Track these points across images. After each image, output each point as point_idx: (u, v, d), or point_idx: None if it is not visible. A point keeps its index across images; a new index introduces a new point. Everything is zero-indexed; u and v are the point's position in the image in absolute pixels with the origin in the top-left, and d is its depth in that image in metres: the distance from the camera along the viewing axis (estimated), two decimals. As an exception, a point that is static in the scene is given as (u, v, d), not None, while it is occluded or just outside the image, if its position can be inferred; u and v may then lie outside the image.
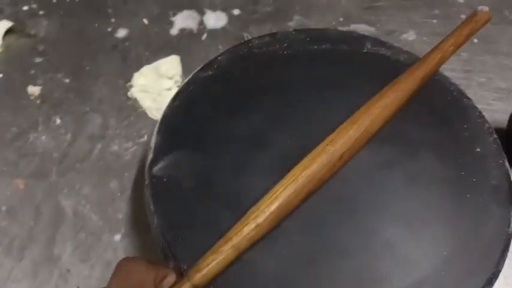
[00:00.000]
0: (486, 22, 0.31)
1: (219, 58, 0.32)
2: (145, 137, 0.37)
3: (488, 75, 0.40)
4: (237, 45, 0.33)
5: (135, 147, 0.36)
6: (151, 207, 0.27)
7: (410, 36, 0.42)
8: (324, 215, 0.27)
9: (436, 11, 0.44)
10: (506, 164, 0.29)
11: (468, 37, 0.31)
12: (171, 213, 0.27)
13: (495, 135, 0.30)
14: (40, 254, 0.32)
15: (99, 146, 0.37)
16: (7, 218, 0.33)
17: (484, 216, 0.27)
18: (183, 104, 0.31)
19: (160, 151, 0.29)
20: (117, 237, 0.33)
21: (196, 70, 0.32)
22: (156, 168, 0.28)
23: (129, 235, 0.33)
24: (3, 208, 0.34)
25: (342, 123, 0.28)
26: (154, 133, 0.29)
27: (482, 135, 0.30)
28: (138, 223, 0.33)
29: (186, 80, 0.32)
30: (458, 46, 0.31)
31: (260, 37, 0.34)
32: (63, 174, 0.35)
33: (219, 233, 0.26)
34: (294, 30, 0.34)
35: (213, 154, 0.29)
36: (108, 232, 0.33)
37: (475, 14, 0.31)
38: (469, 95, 0.36)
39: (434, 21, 0.43)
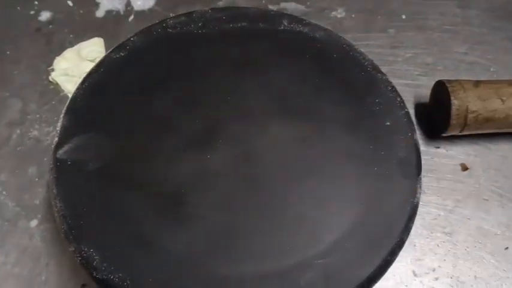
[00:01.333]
0: None
1: (132, 39, 0.32)
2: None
3: (415, 51, 0.40)
4: (151, 25, 0.33)
5: (54, 132, 0.35)
6: (54, 190, 0.26)
7: (339, 13, 0.42)
8: (233, 193, 0.27)
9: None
10: (416, 137, 0.29)
11: None
12: (74, 196, 0.26)
13: (406, 109, 0.30)
14: (-47, 245, 0.31)
15: (18, 131, 0.36)
16: None
17: (389, 188, 0.27)
18: (92, 86, 0.30)
19: (66, 134, 0.28)
20: (34, 222, 0.32)
21: (108, 51, 0.31)
22: (60, 152, 0.28)
23: (46, 221, 0.32)
24: None
25: (251, 102, 0.28)
26: (61, 116, 0.29)
27: (393, 109, 0.30)
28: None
29: (97, 62, 0.31)
30: None
31: (175, 16, 0.33)
32: (-21, 161, 0.34)
33: (122, 216, 0.25)
34: (211, 9, 0.33)
35: (120, 137, 0.28)
36: (24, 218, 0.32)
37: None
38: (394, 71, 0.37)
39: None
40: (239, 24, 0.32)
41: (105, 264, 0.24)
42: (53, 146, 0.28)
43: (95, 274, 0.24)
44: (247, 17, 0.33)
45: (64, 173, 0.27)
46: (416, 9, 0.42)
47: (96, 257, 0.24)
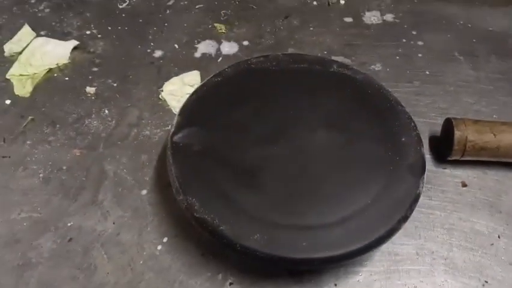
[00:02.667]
0: None
1: (226, 70, 0.46)
2: (170, 127, 0.50)
3: (433, 98, 0.52)
4: (240, 61, 0.47)
5: (161, 133, 0.49)
6: (170, 160, 0.39)
7: (377, 67, 0.55)
8: (289, 173, 0.39)
9: (400, 50, 0.56)
10: (423, 150, 0.40)
11: None
12: (182, 165, 0.39)
13: (417, 132, 0.41)
14: (88, 199, 0.44)
15: (135, 130, 0.49)
16: (67, 174, 0.46)
17: (401, 182, 0.38)
18: (197, 97, 0.44)
19: (179, 127, 0.41)
20: (144, 192, 0.45)
21: (209, 77, 0.45)
22: (175, 138, 0.41)
23: (152, 191, 0.45)
24: (64, 167, 0.46)
25: (306, 117, 0.41)
26: (176, 115, 0.42)
27: (408, 131, 0.41)
28: (159, 184, 0.45)
29: (201, 83, 0.45)
30: None
31: (257, 57, 0.47)
32: (107, 148, 0.48)
33: (214, 180, 0.38)
34: (282, 54, 0.47)
35: (215, 132, 0.41)
36: (137, 188, 0.45)
37: None
38: (416, 112, 0.48)
39: (397, 57, 0.56)
40: (301, 65, 0.46)
41: (202, 209, 0.37)
42: (169, 135, 0.41)
43: (195, 214, 0.37)
44: (307, 61, 0.46)
45: (177, 151, 0.40)
46: (437, 67, 0.55)
47: (196, 204, 0.37)
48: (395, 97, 0.44)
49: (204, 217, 0.36)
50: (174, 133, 0.41)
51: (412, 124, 0.42)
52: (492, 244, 0.41)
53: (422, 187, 0.38)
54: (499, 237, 0.42)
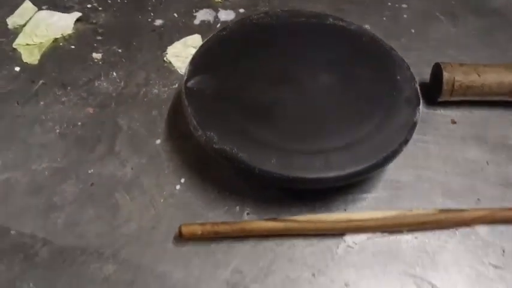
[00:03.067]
0: None
1: (230, 25, 0.49)
2: (176, 85, 0.52)
3: (420, 52, 0.56)
4: (242, 18, 0.50)
5: (169, 91, 0.52)
6: (186, 103, 0.42)
7: (367, 27, 0.59)
8: (297, 107, 0.42)
9: (386, 12, 0.61)
10: (416, 85, 0.44)
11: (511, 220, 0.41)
12: (197, 106, 0.42)
13: (410, 71, 0.46)
14: (105, 150, 0.46)
15: (144, 89, 0.52)
16: (82, 129, 0.48)
17: (400, 112, 0.42)
18: (205, 49, 0.47)
19: (191, 75, 0.44)
20: (158, 141, 0.47)
21: (215, 32, 0.49)
22: (189, 83, 0.44)
23: (165, 140, 0.47)
24: (79, 123, 0.49)
25: (308, 62, 0.44)
26: (187, 64, 0.45)
27: (402, 70, 0.46)
28: (172, 134, 0.48)
29: (207, 38, 0.48)
30: (494, 221, 0.41)
31: (257, 14, 0.50)
32: (119, 105, 0.50)
33: (227, 116, 0.41)
34: (281, 10, 0.51)
35: (225, 77, 0.44)
36: (151, 138, 0.48)
37: None
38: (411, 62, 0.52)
39: (384, 19, 0.60)
40: (300, 19, 0.49)
41: (220, 140, 0.40)
42: (183, 81, 0.44)
43: (214, 146, 0.39)
44: (305, 15, 0.50)
45: (191, 94, 0.43)
46: (421, 26, 0.59)
47: (214, 136, 0.40)
48: (387, 43, 0.48)
49: (223, 147, 0.39)
50: (187, 80, 0.44)
51: (405, 64, 0.46)
52: (482, 169, 0.46)
53: (419, 116, 0.42)
54: (487, 163, 0.46)
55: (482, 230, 0.41)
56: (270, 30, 0.49)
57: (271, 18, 0.50)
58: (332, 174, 0.38)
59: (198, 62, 0.45)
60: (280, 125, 0.41)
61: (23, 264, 0.39)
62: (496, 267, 0.40)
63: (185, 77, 0.44)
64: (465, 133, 0.48)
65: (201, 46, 0.47)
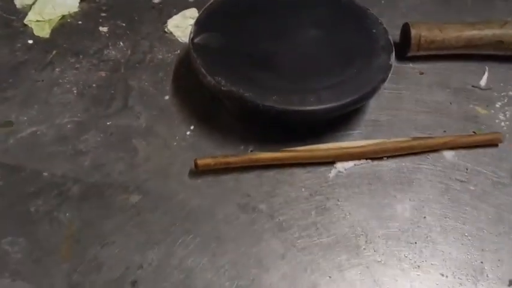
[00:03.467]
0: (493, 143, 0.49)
1: (229, -8, 0.56)
2: (179, 51, 0.59)
3: (390, 18, 0.64)
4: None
5: (173, 56, 0.58)
6: (194, 55, 0.49)
7: None
8: (290, 56, 0.49)
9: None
10: (390, 36, 0.52)
11: (471, 144, 0.49)
12: (204, 56, 0.48)
13: (384, 26, 0.53)
14: (120, 106, 0.52)
15: (149, 55, 0.58)
16: (97, 90, 0.54)
17: (377, 57, 0.50)
18: (208, 11, 0.53)
19: (196, 33, 0.51)
20: (166, 97, 0.53)
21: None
22: (195, 40, 0.50)
23: (172, 97, 0.53)
24: (94, 85, 0.54)
25: (298, 21, 0.52)
26: (193, 24, 0.52)
27: (377, 25, 0.53)
28: (177, 92, 0.54)
29: (210, 2, 0.55)
30: (457, 146, 0.48)
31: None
32: (128, 69, 0.56)
33: (231, 64, 0.48)
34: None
35: (229, 34, 0.51)
36: (160, 95, 0.54)
37: (493, 135, 0.49)
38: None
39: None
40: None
41: (228, 83, 0.46)
42: (189, 39, 0.51)
43: (222, 88, 0.46)
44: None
45: (198, 49, 0.49)
46: (390, -2, 0.67)
47: (222, 80, 0.46)
48: (364, 5, 0.56)
49: (231, 89, 0.46)
50: (193, 38, 0.50)
51: (379, 21, 0.54)
52: (446, 108, 0.54)
53: (393, 60, 0.50)
54: (450, 103, 0.54)
55: (448, 154, 0.49)
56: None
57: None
58: (323, 106, 0.45)
59: (203, 22, 0.52)
60: (278, 70, 0.48)
61: (58, 199, 0.45)
62: (461, 181, 0.47)
63: (191, 36, 0.51)
64: (431, 81, 0.56)
65: (205, 9, 0.53)
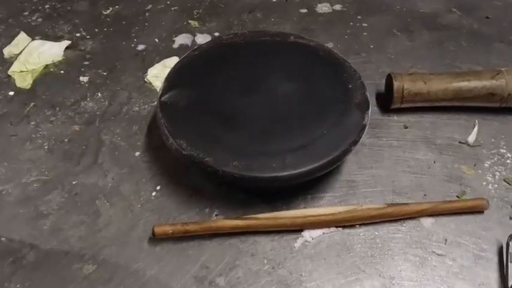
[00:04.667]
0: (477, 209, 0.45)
1: (202, 45, 0.54)
2: (155, 102, 0.57)
3: (378, 64, 0.61)
4: (213, 39, 0.55)
5: (149, 108, 0.57)
6: (160, 115, 0.47)
7: (330, 45, 0.64)
8: (262, 114, 0.47)
9: (348, 31, 0.66)
10: (366, 93, 0.49)
11: (452, 211, 0.45)
12: (170, 117, 0.47)
13: (361, 80, 0.50)
14: (89, 162, 0.51)
15: (126, 107, 0.57)
16: (69, 145, 0.53)
17: (350, 116, 0.47)
18: (179, 67, 0.52)
19: (165, 90, 0.49)
20: (137, 153, 0.52)
21: (188, 52, 0.54)
22: (162, 98, 0.49)
23: (143, 152, 0.52)
24: (66, 140, 0.54)
25: (271, 74, 0.50)
26: (163, 81, 0.51)
27: (353, 79, 0.50)
28: (150, 147, 0.53)
29: (182, 57, 0.53)
30: (437, 213, 0.45)
31: (227, 34, 0.56)
32: (103, 122, 0.55)
33: (198, 125, 0.46)
34: (248, 31, 0.56)
35: (197, 90, 0.49)
36: (131, 151, 0.52)
37: (478, 201, 0.45)
38: (365, 76, 0.56)
39: (346, 37, 0.65)
40: (265, 38, 0.55)
41: (189, 147, 0.44)
42: (158, 96, 0.49)
43: (183, 152, 0.44)
44: (269, 35, 0.55)
45: (165, 107, 0.48)
46: (380, 42, 0.64)
47: (183, 144, 0.45)
48: (342, 57, 0.53)
49: (191, 153, 0.44)
50: (161, 95, 0.49)
51: (357, 75, 0.51)
52: (429, 167, 0.50)
53: (368, 120, 0.47)
54: (434, 162, 0.50)
55: (426, 221, 0.45)
56: (238, 48, 0.54)
57: (239, 38, 0.55)
58: (286, 173, 0.43)
59: (172, 79, 0.51)
60: (244, 130, 0.46)
61: (11, 267, 0.44)
62: (438, 255, 0.44)
63: (160, 93, 0.49)
64: (415, 136, 0.53)
65: (176, 64, 0.52)
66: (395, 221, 0.45)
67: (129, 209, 0.48)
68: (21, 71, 0.62)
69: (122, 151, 0.53)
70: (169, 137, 0.45)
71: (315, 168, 0.43)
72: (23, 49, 0.64)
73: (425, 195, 0.48)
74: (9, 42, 0.65)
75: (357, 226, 0.45)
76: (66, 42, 0.65)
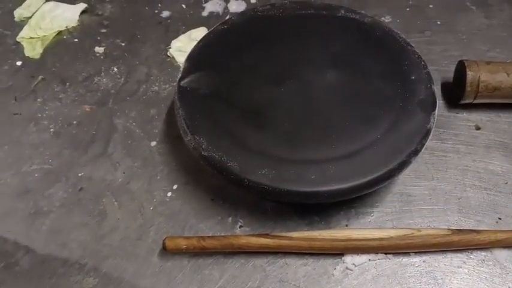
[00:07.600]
0: None
1: (233, 18, 0.45)
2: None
3: (445, 47, 0.51)
4: (246, 10, 0.46)
5: (170, 88, 0.49)
6: (178, 104, 0.39)
7: (387, 19, 0.54)
8: (295, 111, 0.39)
9: (410, 2, 0.55)
10: (433, 86, 0.39)
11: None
12: (189, 107, 0.39)
13: (428, 69, 0.40)
14: (98, 151, 0.44)
15: (144, 86, 0.49)
16: (77, 128, 0.46)
17: (411, 117, 0.38)
18: (204, 44, 0.43)
19: (186, 72, 0.41)
20: (153, 143, 0.45)
21: (216, 25, 0.45)
22: (182, 82, 0.41)
23: (160, 142, 0.45)
24: (74, 122, 0.47)
25: (314, 58, 0.40)
26: (184, 61, 0.42)
27: (418, 69, 0.41)
28: (168, 136, 0.45)
29: (208, 31, 0.45)
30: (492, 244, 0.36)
31: (263, 5, 0.46)
32: (117, 103, 0.48)
33: (219, 120, 0.38)
34: (288, 1, 0.47)
35: (222, 74, 0.41)
36: (146, 140, 0.45)
37: None
38: (428, 60, 0.46)
39: (408, 9, 0.55)
40: (308, 11, 0.45)
41: (209, 147, 0.36)
42: (177, 80, 0.41)
43: (202, 153, 0.36)
44: (314, 7, 0.46)
45: (184, 95, 0.40)
46: (449, 17, 0.53)
47: (203, 142, 0.37)
48: (404, 38, 0.43)
49: (212, 155, 0.36)
50: (181, 78, 0.41)
51: (422, 63, 0.41)
52: (506, 183, 0.40)
53: (433, 123, 0.37)
54: (513, 176, 0.41)
55: (501, 254, 0.36)
56: (274, 23, 0.45)
57: (277, 10, 0.46)
58: (328, 188, 0.34)
59: (195, 58, 0.42)
60: (276, 129, 0.37)
61: (2, 274, 0.38)
62: (515, 298, 0.35)
63: (180, 75, 0.41)
64: (490, 141, 0.43)
65: (200, 41, 0.44)
66: (461, 250, 0.37)
67: (140, 211, 0.41)
68: (30, 38, 0.55)
69: (136, 140, 0.45)
70: (188, 133, 0.38)
71: (363, 184, 0.35)
72: (35, 12, 0.57)
73: (500, 218, 0.38)
74: (20, 4, 0.58)
75: (412, 254, 0.37)
76: (82, 5, 0.57)
